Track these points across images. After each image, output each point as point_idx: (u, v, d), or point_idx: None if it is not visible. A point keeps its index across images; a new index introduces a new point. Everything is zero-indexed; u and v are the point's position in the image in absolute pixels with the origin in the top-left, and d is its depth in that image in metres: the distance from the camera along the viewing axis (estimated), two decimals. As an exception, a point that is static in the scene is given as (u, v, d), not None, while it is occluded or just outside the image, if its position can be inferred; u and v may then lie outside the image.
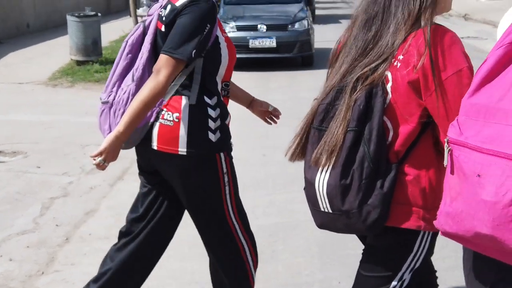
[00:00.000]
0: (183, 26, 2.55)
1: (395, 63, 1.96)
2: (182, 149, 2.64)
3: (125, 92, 2.66)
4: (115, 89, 2.72)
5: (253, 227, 2.93)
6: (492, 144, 1.44)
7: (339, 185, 1.95)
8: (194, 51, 2.54)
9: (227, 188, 2.75)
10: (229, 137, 2.76)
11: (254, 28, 11.24)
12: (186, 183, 2.73)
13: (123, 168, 5.86)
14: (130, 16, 12.02)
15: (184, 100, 2.64)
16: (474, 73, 1.70)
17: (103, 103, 2.74)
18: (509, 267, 1.51)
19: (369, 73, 1.98)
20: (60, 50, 11.73)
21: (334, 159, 1.96)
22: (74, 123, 7.45)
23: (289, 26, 11.48)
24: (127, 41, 2.75)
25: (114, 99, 2.70)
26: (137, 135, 2.68)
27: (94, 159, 2.56)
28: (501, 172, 1.40)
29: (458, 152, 1.52)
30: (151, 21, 2.73)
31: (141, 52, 2.70)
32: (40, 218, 4.68)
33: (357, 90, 1.97)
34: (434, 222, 1.64)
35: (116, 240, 2.95)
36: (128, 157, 6.29)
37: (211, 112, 2.66)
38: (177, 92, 2.66)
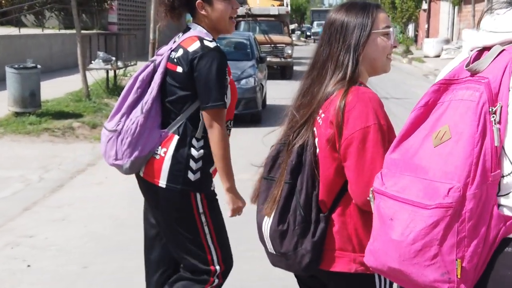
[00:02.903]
0: (210, 80, 2.84)
1: (319, 120, 2.17)
2: (162, 182, 2.91)
3: (133, 123, 2.92)
4: (123, 119, 2.96)
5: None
6: (404, 193, 1.67)
7: (277, 230, 2.17)
8: (225, 96, 2.87)
9: (206, 228, 2.95)
10: (210, 181, 2.98)
11: (199, 83, 11.12)
12: (163, 214, 2.97)
13: (-9, 227, 5.66)
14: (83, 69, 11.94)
15: (174, 138, 2.91)
16: (390, 129, 2.06)
17: (111, 131, 2.99)
18: None
19: (299, 130, 2.20)
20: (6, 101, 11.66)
21: (275, 207, 2.18)
22: (-28, 177, 7.28)
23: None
24: (137, 77, 3.01)
25: (122, 128, 2.94)
26: (139, 163, 2.94)
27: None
28: (407, 216, 1.64)
29: (379, 200, 1.77)
30: (161, 61, 2.96)
31: (151, 88, 2.95)
32: None
33: (291, 146, 2.19)
34: (364, 259, 1.89)
35: None
36: (4, 215, 6.17)
37: (194, 152, 2.91)
38: (175, 131, 2.93)
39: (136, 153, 2.93)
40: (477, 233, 1.59)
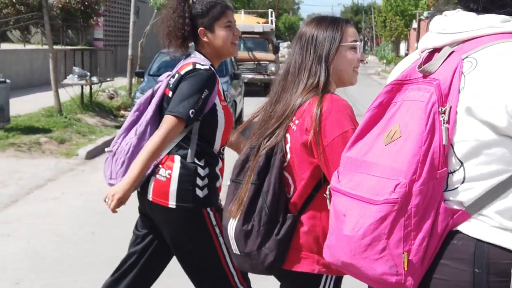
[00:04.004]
0: (183, 90, 2.91)
1: (293, 127, 2.25)
2: (172, 203, 2.96)
3: (127, 144, 3.03)
4: (119, 140, 3.09)
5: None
6: (356, 189, 1.73)
7: (242, 230, 2.23)
8: (192, 111, 2.88)
9: (220, 238, 2.99)
10: (217, 195, 3.06)
11: (169, 100, 11.09)
12: (175, 235, 3.02)
13: None
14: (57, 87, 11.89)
15: (176, 160, 2.97)
16: None
17: (108, 152, 3.10)
18: None
19: (270, 134, 2.27)
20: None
21: (241, 208, 2.23)
22: None
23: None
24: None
25: (117, 149, 3.06)
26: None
27: (106, 201, 2.92)
28: (357, 212, 1.70)
29: (335, 197, 1.82)
30: (159, 86, 3.09)
31: (146, 111, 3.07)
32: None
33: (261, 149, 2.25)
34: (323, 254, 1.91)
35: None
36: None
37: (200, 171, 2.96)
38: (172, 152, 2.98)
39: (140, 178, 2.96)
40: (422, 227, 1.65)
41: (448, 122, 1.67)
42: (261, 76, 20.11)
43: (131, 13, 15.54)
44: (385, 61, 39.99)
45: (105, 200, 2.94)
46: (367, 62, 49.23)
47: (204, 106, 2.95)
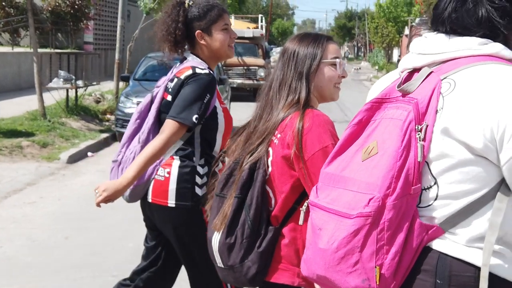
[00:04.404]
0: (185, 95, 2.91)
1: (275, 140, 2.29)
2: (171, 202, 2.97)
3: (131, 152, 3.03)
4: (123, 149, 3.09)
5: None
6: (333, 204, 1.75)
7: (225, 243, 2.26)
8: (196, 116, 2.89)
9: None
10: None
11: (154, 104, 11.05)
12: (177, 234, 3.02)
13: None
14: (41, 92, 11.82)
15: (175, 159, 2.98)
16: None
17: (113, 161, 3.10)
18: None
19: (254, 150, 2.31)
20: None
21: (225, 221, 2.26)
22: None
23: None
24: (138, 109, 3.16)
25: (122, 158, 3.06)
26: (139, 191, 3.01)
27: (96, 192, 2.91)
28: (333, 226, 1.72)
29: (312, 211, 1.84)
30: (158, 92, 3.09)
31: (147, 118, 3.08)
32: None
33: (244, 164, 2.29)
34: (300, 268, 1.93)
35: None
36: None
37: (199, 169, 2.99)
38: (173, 155, 2.99)
39: (135, 181, 2.96)
40: (395, 242, 1.67)
41: (424, 139, 1.71)
42: (250, 81, 20.10)
43: (119, 17, 15.49)
44: (377, 67, 40.07)
45: (95, 191, 2.94)
46: (360, 68, 49.33)
47: (206, 111, 2.97)
